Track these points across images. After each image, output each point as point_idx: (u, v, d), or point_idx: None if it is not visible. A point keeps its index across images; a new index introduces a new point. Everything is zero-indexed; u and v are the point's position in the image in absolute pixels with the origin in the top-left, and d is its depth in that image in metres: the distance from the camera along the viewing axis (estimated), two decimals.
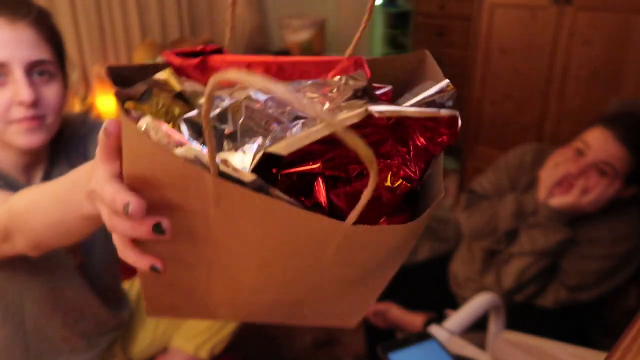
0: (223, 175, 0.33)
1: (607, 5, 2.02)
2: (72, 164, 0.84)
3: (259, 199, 0.34)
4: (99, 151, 0.38)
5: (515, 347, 0.91)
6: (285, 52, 2.83)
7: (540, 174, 1.23)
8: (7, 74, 0.74)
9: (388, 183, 0.39)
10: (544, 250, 1.21)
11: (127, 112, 0.38)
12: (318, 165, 0.37)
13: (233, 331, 1.22)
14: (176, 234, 0.37)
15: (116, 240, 0.40)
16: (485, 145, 2.61)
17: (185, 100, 0.42)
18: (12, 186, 0.83)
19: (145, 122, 0.36)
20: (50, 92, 0.78)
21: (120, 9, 2.51)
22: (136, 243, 0.39)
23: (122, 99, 0.38)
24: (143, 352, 1.18)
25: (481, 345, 0.92)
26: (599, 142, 1.15)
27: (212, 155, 0.32)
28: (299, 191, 0.37)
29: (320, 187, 0.38)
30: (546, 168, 1.23)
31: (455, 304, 1.39)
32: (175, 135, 0.36)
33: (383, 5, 4.49)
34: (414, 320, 1.36)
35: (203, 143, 0.37)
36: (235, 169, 0.34)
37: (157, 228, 0.36)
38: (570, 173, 1.16)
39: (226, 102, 0.40)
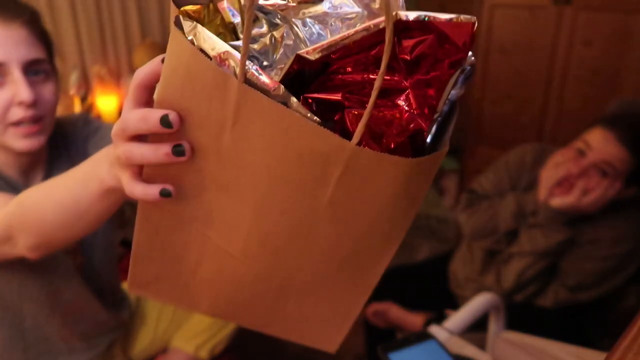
0: (249, 83, 0.35)
1: (607, 5, 2.02)
2: (74, 164, 0.84)
3: (277, 109, 0.35)
4: (128, 99, 0.41)
5: (515, 347, 0.91)
6: None
7: (541, 174, 1.23)
8: (5, 74, 0.74)
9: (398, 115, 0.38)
10: (544, 251, 1.21)
11: (178, 20, 0.38)
12: (339, 95, 0.38)
13: (233, 331, 1.22)
14: (187, 169, 0.40)
15: (125, 177, 0.44)
16: (485, 145, 2.61)
17: (236, 35, 0.43)
18: (12, 187, 0.83)
19: (194, 31, 0.37)
20: (48, 91, 0.78)
21: (120, 9, 2.51)
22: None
23: (178, 6, 0.39)
24: (143, 352, 1.18)
25: (481, 345, 0.92)
26: (599, 142, 1.15)
27: (243, 61, 0.34)
28: (318, 115, 0.37)
29: (339, 116, 0.38)
30: (547, 168, 1.23)
31: (455, 304, 1.39)
32: (221, 45, 0.36)
33: None
34: (414, 320, 1.36)
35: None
36: (261, 73, 0.35)
37: (178, 148, 0.39)
38: (571, 173, 1.16)
39: (267, 38, 0.41)
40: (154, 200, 0.43)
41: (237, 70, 0.34)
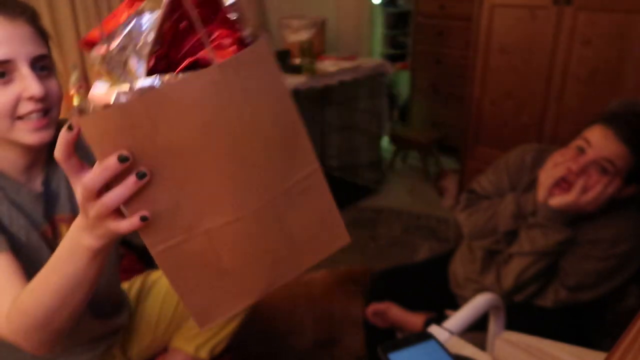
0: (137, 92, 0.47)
1: (607, 5, 2.02)
2: None
3: (169, 93, 0.46)
4: (71, 177, 0.51)
5: (515, 347, 0.91)
6: (285, 52, 2.83)
7: (540, 174, 1.23)
8: (13, 70, 0.75)
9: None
10: (543, 251, 1.21)
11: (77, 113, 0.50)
12: (192, 58, 0.52)
13: (233, 331, 1.22)
14: (152, 186, 0.49)
15: (110, 225, 0.52)
16: (485, 145, 2.61)
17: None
18: (13, 187, 0.83)
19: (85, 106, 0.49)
20: (53, 85, 0.80)
21: None
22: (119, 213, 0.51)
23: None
24: (143, 352, 1.18)
25: (481, 345, 0.92)
26: (599, 139, 1.15)
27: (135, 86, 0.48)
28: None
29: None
30: (546, 168, 1.23)
31: (455, 304, 1.39)
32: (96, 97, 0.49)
33: (383, 5, 4.50)
34: (414, 320, 1.36)
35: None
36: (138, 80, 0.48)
37: (140, 174, 0.47)
38: (571, 171, 1.16)
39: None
40: (140, 227, 0.50)
41: (129, 95, 0.47)
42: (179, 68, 0.51)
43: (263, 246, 0.59)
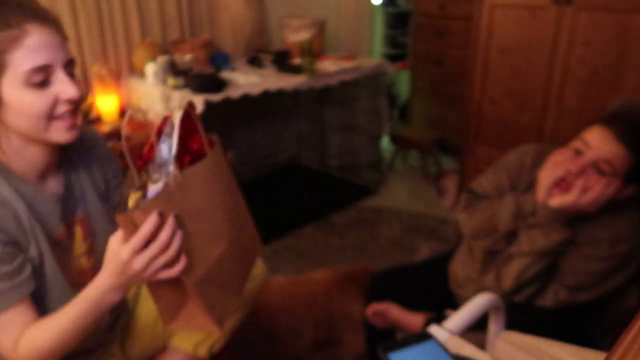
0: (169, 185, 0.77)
1: (607, 5, 2.02)
2: (78, 172, 0.98)
3: (190, 176, 0.79)
4: (124, 238, 0.75)
5: (515, 347, 0.91)
6: (285, 52, 2.83)
7: (539, 174, 1.23)
8: (51, 74, 0.81)
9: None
10: (543, 251, 1.21)
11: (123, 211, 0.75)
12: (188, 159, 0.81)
13: (231, 329, 1.22)
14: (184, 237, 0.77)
15: (159, 277, 0.77)
16: (485, 145, 2.61)
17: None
18: (33, 192, 0.87)
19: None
20: (79, 85, 0.86)
21: (120, 9, 2.51)
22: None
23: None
24: (142, 351, 1.18)
25: (481, 345, 0.92)
26: (598, 140, 1.14)
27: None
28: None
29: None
30: (545, 168, 1.22)
31: (455, 304, 1.39)
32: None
33: (383, 5, 4.50)
34: (414, 320, 1.36)
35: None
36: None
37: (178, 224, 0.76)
38: (570, 171, 1.16)
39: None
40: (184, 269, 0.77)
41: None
42: (189, 159, 0.80)
43: (238, 258, 0.92)
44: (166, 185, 0.74)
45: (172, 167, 0.75)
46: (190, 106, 0.80)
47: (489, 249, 1.33)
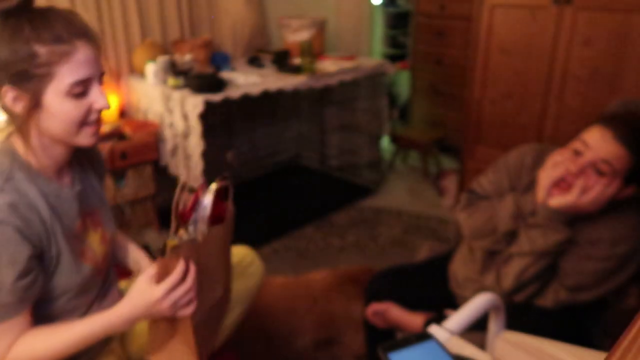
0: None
1: (607, 5, 2.02)
2: (85, 171, 1.07)
3: (208, 236, 0.97)
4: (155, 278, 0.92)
5: (515, 347, 0.91)
6: (285, 52, 2.83)
7: (539, 174, 1.23)
8: (89, 86, 0.90)
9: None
10: (543, 251, 1.21)
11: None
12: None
13: (230, 327, 1.23)
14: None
15: (177, 315, 0.94)
16: (485, 145, 2.61)
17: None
18: (55, 190, 0.94)
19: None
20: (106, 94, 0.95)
21: (120, 9, 2.51)
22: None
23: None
24: (142, 348, 1.18)
25: (481, 345, 0.92)
26: (597, 141, 1.14)
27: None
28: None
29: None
30: (544, 168, 1.22)
31: (455, 304, 1.39)
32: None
33: (383, 5, 4.50)
34: (414, 320, 1.36)
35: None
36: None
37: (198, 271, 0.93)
38: (570, 171, 1.16)
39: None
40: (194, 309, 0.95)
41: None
42: (212, 220, 0.97)
43: (222, 304, 1.15)
44: (195, 239, 0.95)
45: (203, 226, 0.95)
46: (223, 180, 1.00)
47: (489, 249, 1.33)
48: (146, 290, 0.90)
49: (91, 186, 1.07)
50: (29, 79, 0.85)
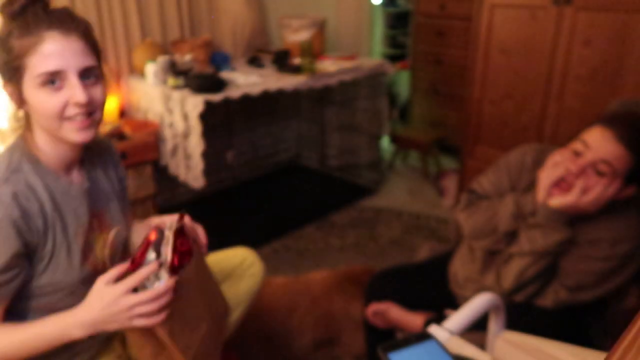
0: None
1: (607, 5, 2.02)
2: (105, 171, 1.09)
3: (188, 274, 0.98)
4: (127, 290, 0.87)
5: (515, 347, 0.91)
6: (285, 52, 2.83)
7: (539, 174, 1.23)
8: (63, 79, 0.87)
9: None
10: (543, 251, 1.21)
11: None
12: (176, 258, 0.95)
13: (232, 326, 1.23)
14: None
15: (135, 324, 0.88)
16: (485, 145, 2.61)
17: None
18: (62, 187, 0.95)
19: None
20: (98, 92, 0.92)
21: (120, 9, 2.51)
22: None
23: None
24: None
25: (481, 345, 0.92)
26: (597, 141, 1.14)
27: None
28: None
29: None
30: (544, 168, 1.22)
31: (455, 304, 1.39)
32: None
33: (383, 5, 4.50)
34: (414, 320, 1.36)
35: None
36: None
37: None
38: (570, 171, 1.16)
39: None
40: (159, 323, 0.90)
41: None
42: (183, 258, 0.96)
43: (215, 330, 1.11)
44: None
45: (165, 275, 0.90)
46: (181, 219, 0.98)
47: (489, 249, 1.33)
48: (102, 290, 0.86)
49: (103, 188, 1.06)
50: (11, 73, 0.87)
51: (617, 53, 2.04)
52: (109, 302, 0.85)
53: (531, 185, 1.28)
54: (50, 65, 0.85)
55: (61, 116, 0.88)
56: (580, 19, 2.10)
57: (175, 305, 0.92)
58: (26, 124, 0.94)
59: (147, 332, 0.93)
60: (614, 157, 1.12)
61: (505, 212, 1.27)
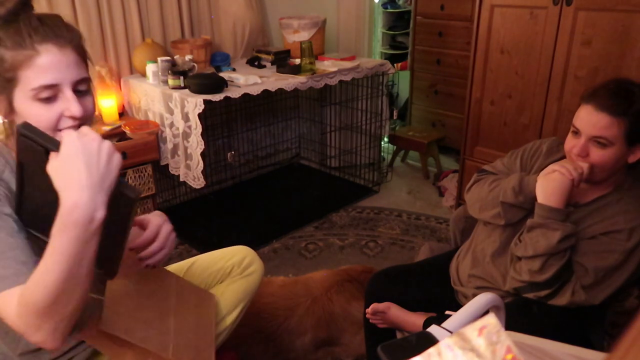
0: None
1: (607, 5, 2.02)
2: None
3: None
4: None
5: (515, 347, 0.91)
6: (286, 52, 2.83)
7: (538, 179, 1.23)
8: (58, 92, 0.87)
9: None
10: (546, 251, 1.19)
11: None
12: None
13: (231, 325, 1.23)
14: None
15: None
16: (485, 145, 2.61)
17: None
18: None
19: None
20: (88, 103, 0.92)
21: (120, 9, 2.51)
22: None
23: None
24: None
25: None
26: (583, 119, 1.17)
27: None
28: None
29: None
30: (543, 172, 1.23)
31: (455, 304, 1.40)
32: None
33: (383, 5, 4.49)
34: (414, 320, 1.36)
35: None
36: None
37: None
38: (576, 154, 1.18)
39: None
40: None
41: None
42: None
43: (192, 325, 1.13)
44: None
45: None
46: None
47: (491, 222, 1.35)
48: (82, 142, 0.73)
49: None
50: (2, 84, 0.86)
51: (616, 53, 2.04)
52: (93, 152, 0.73)
53: (540, 170, 1.29)
54: (46, 79, 0.85)
55: (54, 128, 0.88)
56: (580, 19, 2.10)
57: (127, 307, 0.97)
58: (10, 131, 0.93)
59: (118, 339, 0.92)
60: (602, 128, 1.14)
61: (507, 184, 1.29)
